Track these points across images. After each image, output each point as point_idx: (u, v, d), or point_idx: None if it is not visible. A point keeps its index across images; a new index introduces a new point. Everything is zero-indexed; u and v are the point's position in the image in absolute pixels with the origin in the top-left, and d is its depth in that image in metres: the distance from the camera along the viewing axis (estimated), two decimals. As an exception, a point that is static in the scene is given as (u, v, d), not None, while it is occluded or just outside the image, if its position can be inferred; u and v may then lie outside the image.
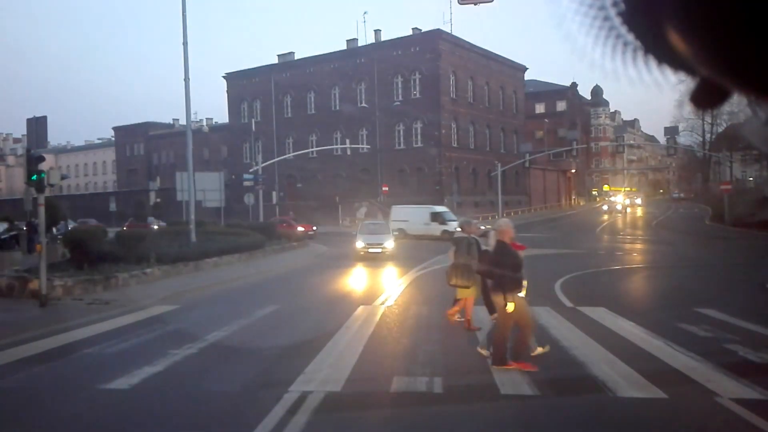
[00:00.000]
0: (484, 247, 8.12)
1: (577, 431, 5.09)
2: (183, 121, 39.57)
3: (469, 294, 8.73)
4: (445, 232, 29.38)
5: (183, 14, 19.97)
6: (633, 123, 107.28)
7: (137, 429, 5.16)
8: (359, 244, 21.34)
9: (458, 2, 14.78)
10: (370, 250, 20.94)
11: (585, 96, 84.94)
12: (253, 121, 52.61)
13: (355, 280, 16.49)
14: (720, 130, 59.18)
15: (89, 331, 9.00)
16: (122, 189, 69.19)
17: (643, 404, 5.45)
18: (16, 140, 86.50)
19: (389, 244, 21.34)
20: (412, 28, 51.36)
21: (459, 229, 9.24)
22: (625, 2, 0.60)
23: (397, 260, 20.26)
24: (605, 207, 61.04)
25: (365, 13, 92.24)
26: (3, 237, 23.19)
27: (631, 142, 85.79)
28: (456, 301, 9.11)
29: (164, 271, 15.42)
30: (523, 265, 6.80)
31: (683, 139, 59.85)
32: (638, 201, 71.92)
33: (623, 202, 64.31)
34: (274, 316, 10.37)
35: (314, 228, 34.76)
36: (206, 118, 76.72)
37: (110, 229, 21.51)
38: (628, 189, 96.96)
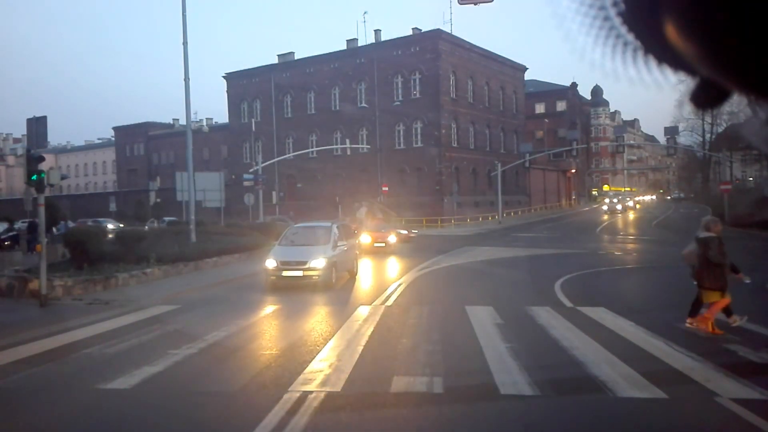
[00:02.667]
0: None
1: (577, 431, 5.09)
2: (183, 121, 39.58)
3: (720, 296, 8.26)
4: None
5: (183, 14, 19.99)
6: (633, 123, 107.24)
7: (137, 429, 5.16)
8: (269, 264, 13.32)
9: (458, 2, 14.80)
10: (286, 274, 13.08)
11: (585, 96, 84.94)
12: (253, 121, 52.64)
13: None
14: (720, 130, 59.16)
15: (89, 331, 9.01)
16: (122, 189, 69.24)
17: (643, 404, 5.44)
18: (16, 140, 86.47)
19: (319, 263, 13.04)
20: (412, 28, 51.36)
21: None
22: (625, 2, 0.60)
23: (331, 292, 12.84)
24: (605, 207, 61.02)
25: (365, 13, 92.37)
26: (3, 237, 23.22)
27: (631, 142, 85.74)
28: (702, 304, 8.45)
29: (164, 271, 15.43)
30: None
31: (683, 139, 59.91)
32: (630, 203, 70.38)
33: (622, 202, 64.19)
34: (274, 316, 10.37)
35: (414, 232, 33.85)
36: (206, 118, 76.80)
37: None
38: (628, 189, 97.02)
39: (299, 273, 13.07)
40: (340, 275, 14.39)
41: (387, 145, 49.28)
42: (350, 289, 13.65)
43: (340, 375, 6.32)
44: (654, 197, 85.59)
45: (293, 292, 13.12)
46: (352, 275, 15.56)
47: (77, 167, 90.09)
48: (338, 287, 13.62)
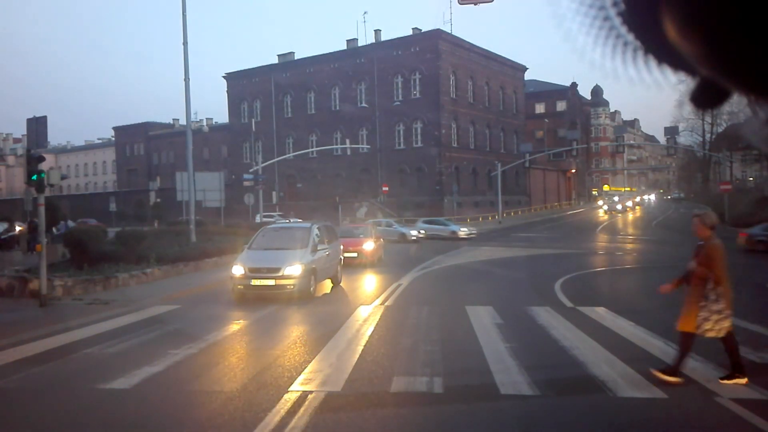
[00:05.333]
0: None
1: (577, 431, 5.09)
2: (183, 121, 39.63)
3: None
4: None
5: (183, 14, 20.01)
6: (633, 123, 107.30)
7: (137, 429, 5.16)
8: (236, 271, 11.73)
9: (458, 2, 14.78)
10: (255, 283, 11.52)
11: (585, 96, 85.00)
12: (253, 121, 52.66)
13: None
14: (720, 130, 59.20)
15: (89, 331, 9.00)
16: (122, 189, 69.24)
17: (643, 404, 5.44)
18: (16, 140, 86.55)
19: (294, 270, 11.51)
20: (412, 28, 51.41)
21: None
22: (625, 2, 0.60)
23: (307, 311, 10.69)
24: (605, 207, 61.06)
25: (365, 13, 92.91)
26: (3, 237, 23.20)
27: (631, 142, 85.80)
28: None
29: (164, 271, 15.43)
30: None
31: (683, 139, 59.99)
32: (629, 203, 68.82)
33: (621, 202, 64.13)
34: (274, 316, 10.37)
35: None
36: (206, 118, 76.86)
37: (110, 229, 21.45)
38: (629, 189, 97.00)
39: (271, 282, 11.48)
40: (321, 283, 13.08)
41: (387, 145, 49.30)
42: (332, 300, 12.48)
43: (340, 375, 6.32)
44: (653, 197, 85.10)
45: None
46: (336, 283, 14.10)
47: (77, 167, 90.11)
48: (317, 298, 12.22)
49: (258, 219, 34.73)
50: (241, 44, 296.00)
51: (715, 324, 5.70)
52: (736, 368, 5.81)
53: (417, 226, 33.19)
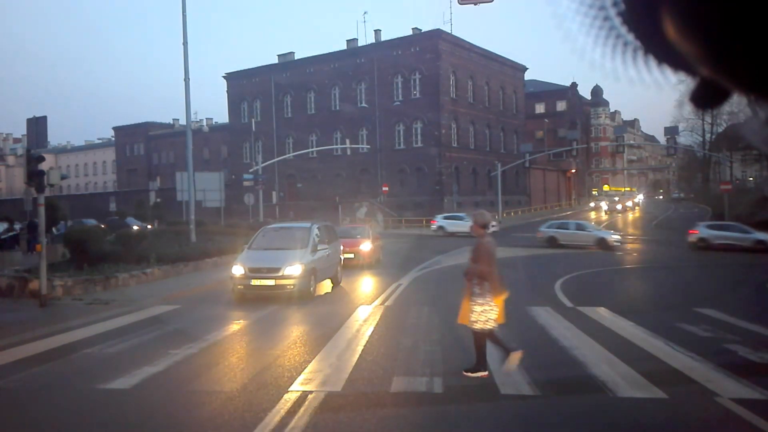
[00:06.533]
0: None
1: (577, 431, 5.09)
2: (183, 121, 39.64)
3: None
4: None
5: (183, 14, 20.02)
6: (633, 123, 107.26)
7: (137, 429, 5.16)
8: (236, 271, 11.72)
9: (458, 2, 14.77)
10: (255, 283, 11.51)
11: (585, 96, 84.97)
12: (253, 121, 52.64)
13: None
14: (720, 130, 59.15)
15: (89, 331, 9.01)
16: (122, 189, 69.23)
17: (643, 404, 5.45)
18: (16, 140, 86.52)
19: (294, 270, 11.50)
20: (412, 28, 51.38)
21: None
22: (625, 2, 0.60)
23: (304, 312, 10.69)
24: (605, 207, 61.02)
25: (365, 13, 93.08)
26: (3, 237, 23.21)
27: (631, 142, 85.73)
28: None
29: (164, 271, 15.43)
30: None
31: (683, 139, 59.83)
32: (629, 204, 67.96)
33: (621, 202, 64.06)
34: (274, 316, 10.37)
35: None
36: (206, 118, 76.80)
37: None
38: (628, 189, 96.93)
39: (271, 282, 11.45)
40: (321, 283, 13.04)
41: (387, 145, 49.28)
42: (332, 300, 12.45)
43: (340, 375, 6.32)
44: (641, 197, 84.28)
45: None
46: (336, 283, 14.04)
47: (77, 167, 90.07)
48: (317, 298, 12.23)
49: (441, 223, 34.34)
50: (241, 44, 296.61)
51: (480, 316, 5.99)
52: (480, 362, 6.10)
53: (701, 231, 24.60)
